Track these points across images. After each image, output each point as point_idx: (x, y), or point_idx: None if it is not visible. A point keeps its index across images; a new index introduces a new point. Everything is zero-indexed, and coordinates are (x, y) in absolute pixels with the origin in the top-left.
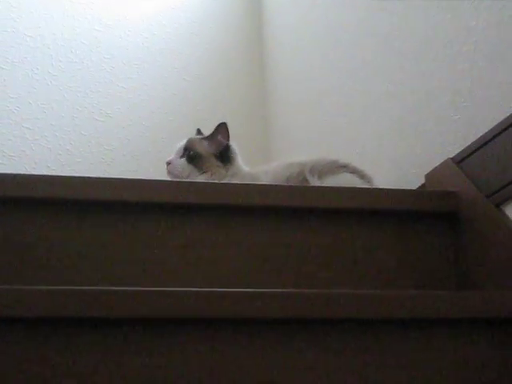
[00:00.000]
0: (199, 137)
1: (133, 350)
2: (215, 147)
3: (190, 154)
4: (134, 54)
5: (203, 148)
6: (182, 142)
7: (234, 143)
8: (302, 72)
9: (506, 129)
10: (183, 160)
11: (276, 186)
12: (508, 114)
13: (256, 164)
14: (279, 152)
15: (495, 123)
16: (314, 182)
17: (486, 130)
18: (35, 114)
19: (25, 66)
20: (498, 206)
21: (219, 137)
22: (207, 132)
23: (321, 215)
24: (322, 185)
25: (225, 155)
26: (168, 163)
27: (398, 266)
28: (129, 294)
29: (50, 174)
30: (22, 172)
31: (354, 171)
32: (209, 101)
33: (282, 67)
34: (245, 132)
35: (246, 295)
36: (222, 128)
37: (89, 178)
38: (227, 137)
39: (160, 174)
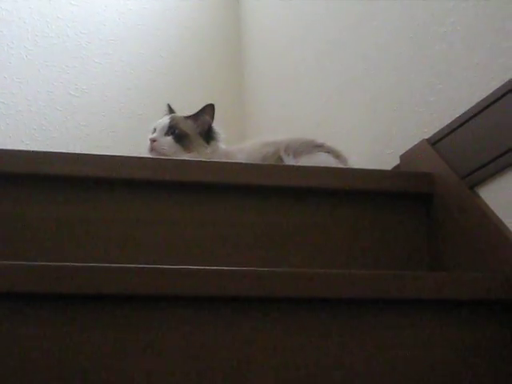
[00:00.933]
0: (181, 115)
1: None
2: (200, 127)
3: (177, 132)
4: (111, 29)
5: (188, 127)
6: (165, 120)
7: (215, 124)
8: (279, 50)
9: (481, 111)
10: (170, 138)
11: (251, 164)
12: (484, 97)
13: (232, 142)
14: (255, 130)
15: (471, 105)
16: (289, 161)
17: (462, 112)
18: (10, 88)
19: (0, 39)
20: (472, 187)
21: (205, 117)
22: (178, 109)
23: (295, 194)
24: (297, 164)
25: (208, 135)
26: (153, 140)
27: (372, 246)
28: (102, 270)
29: (24, 149)
30: None
31: (329, 151)
32: (185, 77)
33: (259, 44)
34: (220, 109)
35: (219, 273)
36: (209, 109)
37: (63, 153)
38: (212, 118)
39: (135, 150)
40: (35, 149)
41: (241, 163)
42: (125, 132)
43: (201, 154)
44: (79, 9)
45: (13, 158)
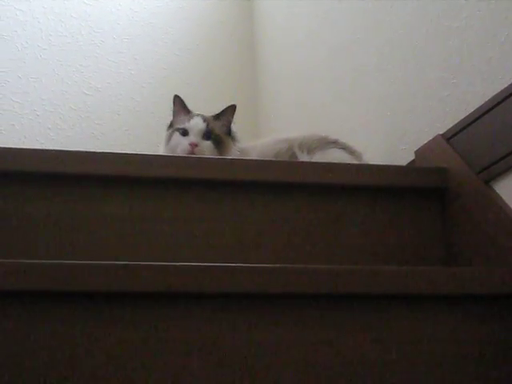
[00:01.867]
0: (210, 116)
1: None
2: (224, 127)
3: (214, 136)
4: (124, 28)
5: (220, 129)
6: (199, 122)
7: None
8: (292, 47)
9: (495, 105)
10: (209, 143)
11: (266, 160)
12: (498, 91)
13: (245, 139)
14: (268, 127)
15: (485, 100)
16: (303, 157)
17: (476, 107)
18: (25, 87)
19: (15, 39)
20: (487, 182)
21: (228, 117)
22: (194, 107)
23: (310, 191)
24: (312, 160)
25: (230, 134)
26: (195, 145)
27: (388, 241)
28: (109, 267)
29: (39, 148)
30: (11, 146)
31: (344, 147)
32: (198, 75)
33: (273, 42)
34: None
35: (230, 270)
36: (232, 109)
37: (79, 152)
38: (233, 118)
39: (150, 147)
40: (50, 148)
41: (255, 159)
42: (139, 130)
43: (232, 154)
44: (92, 8)
45: (29, 158)
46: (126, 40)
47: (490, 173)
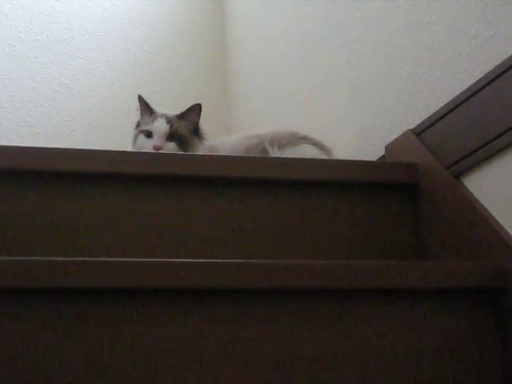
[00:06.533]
0: (173, 115)
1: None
2: (190, 126)
3: (177, 137)
4: (94, 24)
5: (185, 129)
6: (163, 124)
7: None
8: (263, 41)
9: (465, 100)
10: (173, 144)
11: (236, 156)
12: (467, 86)
13: (216, 136)
14: (239, 124)
15: (455, 95)
16: (274, 153)
17: (446, 102)
18: None
19: None
20: (457, 177)
21: (193, 116)
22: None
23: (280, 186)
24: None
25: (197, 133)
26: (158, 148)
27: (358, 236)
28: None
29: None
30: None
31: (314, 143)
32: (169, 71)
33: (243, 37)
34: (204, 103)
35: (204, 265)
36: (197, 108)
37: (48, 148)
38: (199, 117)
39: (120, 144)
40: (20, 145)
41: (225, 156)
42: (109, 127)
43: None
44: (62, 4)
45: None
46: (95, 36)
47: (460, 168)
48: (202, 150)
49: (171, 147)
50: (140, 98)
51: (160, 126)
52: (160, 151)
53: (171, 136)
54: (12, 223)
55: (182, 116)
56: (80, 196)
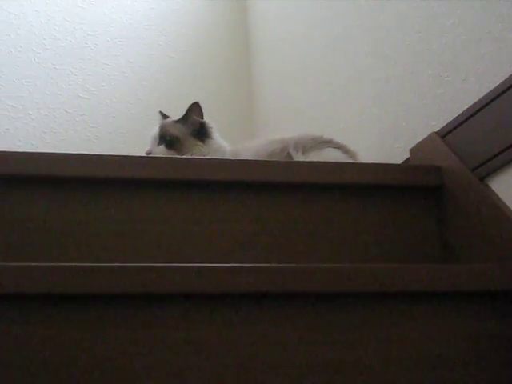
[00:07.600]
0: (171, 120)
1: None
2: (191, 127)
3: (167, 139)
4: (118, 30)
5: (178, 130)
6: (155, 130)
7: (208, 119)
8: (285, 46)
9: (489, 102)
10: (162, 147)
11: (260, 161)
12: (492, 88)
13: (240, 141)
14: (263, 128)
15: (479, 97)
16: (298, 157)
17: (471, 104)
18: (19, 91)
19: (8, 43)
20: (482, 179)
21: (193, 116)
22: (178, 105)
23: (305, 190)
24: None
25: (201, 132)
26: (148, 153)
27: (383, 240)
28: (109, 269)
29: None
30: (5, 150)
31: (338, 146)
32: (193, 77)
33: (266, 41)
34: (229, 108)
35: (224, 270)
36: (195, 107)
37: (74, 155)
38: (201, 115)
39: (145, 150)
40: (45, 151)
41: (249, 160)
42: (134, 133)
43: (197, 153)
44: (86, 11)
45: (23, 161)
46: (119, 43)
47: (485, 170)
48: (204, 149)
49: (160, 150)
50: (160, 113)
51: (152, 132)
52: (150, 155)
53: (160, 139)
54: (27, 228)
55: (180, 119)
56: (96, 202)
